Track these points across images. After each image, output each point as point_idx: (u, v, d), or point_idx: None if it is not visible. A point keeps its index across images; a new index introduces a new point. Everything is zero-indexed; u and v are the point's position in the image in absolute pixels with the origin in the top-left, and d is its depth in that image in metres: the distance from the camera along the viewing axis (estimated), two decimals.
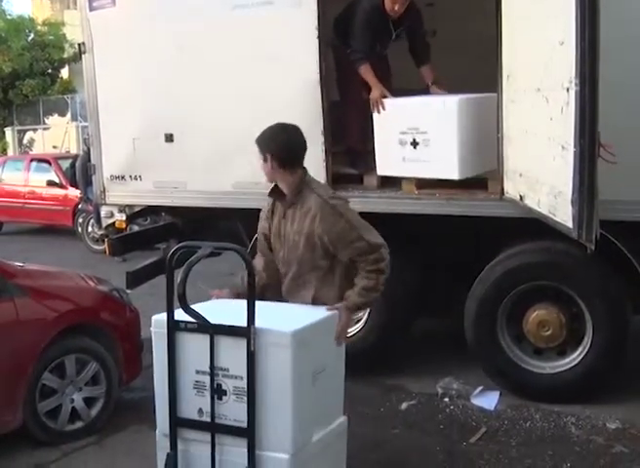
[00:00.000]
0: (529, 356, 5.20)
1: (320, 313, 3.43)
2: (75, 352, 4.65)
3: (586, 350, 4.98)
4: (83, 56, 6.46)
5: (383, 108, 5.29)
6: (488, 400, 5.13)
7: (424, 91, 5.67)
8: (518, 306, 5.16)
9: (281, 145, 3.50)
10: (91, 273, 5.63)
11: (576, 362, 5.03)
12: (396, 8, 5.42)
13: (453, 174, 5.03)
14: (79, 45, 6.57)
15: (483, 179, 5.16)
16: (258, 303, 3.13)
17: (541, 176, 4.21)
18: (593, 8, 3.47)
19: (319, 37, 5.27)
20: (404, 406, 5.11)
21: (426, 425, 4.82)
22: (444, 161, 5.03)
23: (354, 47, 5.51)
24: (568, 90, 3.63)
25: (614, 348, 4.93)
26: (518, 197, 4.65)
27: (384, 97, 5.31)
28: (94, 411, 4.73)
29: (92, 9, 6.27)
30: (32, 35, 26.51)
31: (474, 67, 5.68)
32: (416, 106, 5.24)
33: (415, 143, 5.12)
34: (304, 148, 3.57)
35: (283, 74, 5.47)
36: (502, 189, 4.94)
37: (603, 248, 3.87)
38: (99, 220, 7.01)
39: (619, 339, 4.93)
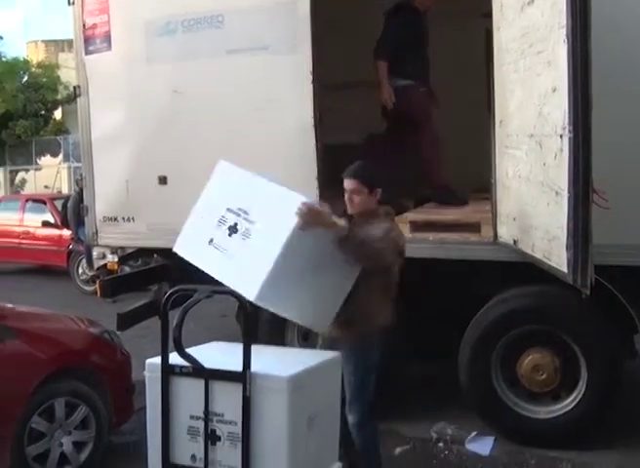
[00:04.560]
0: (523, 400, 5.15)
1: (318, 357, 3.41)
2: (65, 395, 4.56)
3: (581, 394, 4.95)
4: (78, 98, 6.51)
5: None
6: (482, 445, 5.08)
7: None
8: (512, 350, 5.13)
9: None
10: (81, 314, 5.58)
11: (571, 406, 5.00)
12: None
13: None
14: (74, 87, 6.64)
15: (476, 223, 5.18)
16: (254, 347, 3.11)
17: (535, 221, 4.22)
18: (585, 56, 3.51)
19: (314, 81, 5.32)
20: (398, 451, 5.06)
21: None
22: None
23: (381, 45, 5.83)
24: (561, 136, 3.65)
25: (608, 392, 4.91)
26: (512, 241, 4.66)
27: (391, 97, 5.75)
28: (83, 456, 4.63)
29: (87, 52, 6.32)
30: (26, 77, 26.71)
31: (466, 113, 5.75)
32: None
33: (234, 229, 3.68)
34: None
35: (277, 118, 5.50)
36: (496, 233, 4.96)
37: (597, 292, 3.87)
38: (90, 261, 6.96)
39: (613, 383, 4.91)
